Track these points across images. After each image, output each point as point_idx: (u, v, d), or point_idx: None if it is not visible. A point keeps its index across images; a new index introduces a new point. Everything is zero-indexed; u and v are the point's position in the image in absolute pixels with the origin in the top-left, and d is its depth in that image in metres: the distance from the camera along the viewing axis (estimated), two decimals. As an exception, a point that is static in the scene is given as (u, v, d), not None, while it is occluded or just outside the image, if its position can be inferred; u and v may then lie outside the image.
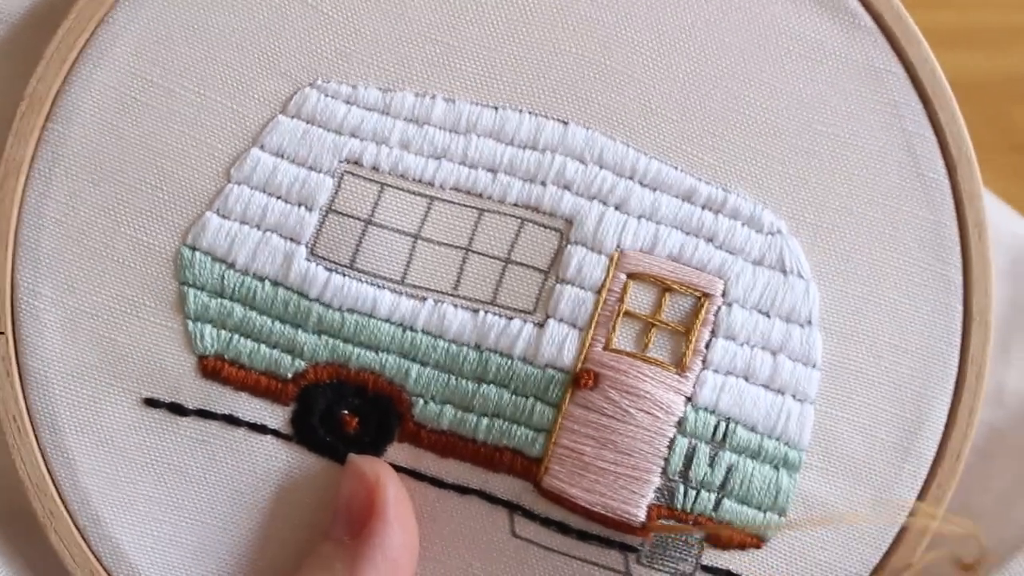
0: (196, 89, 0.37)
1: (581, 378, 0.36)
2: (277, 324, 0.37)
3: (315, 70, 0.37)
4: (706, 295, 0.37)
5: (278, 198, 0.37)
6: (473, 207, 0.37)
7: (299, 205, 0.37)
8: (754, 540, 0.37)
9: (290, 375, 0.37)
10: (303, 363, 0.37)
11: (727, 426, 0.37)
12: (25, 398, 0.37)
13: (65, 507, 0.37)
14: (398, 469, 0.37)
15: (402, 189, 0.37)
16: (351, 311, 0.37)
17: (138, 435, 0.37)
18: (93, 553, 0.37)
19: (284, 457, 0.37)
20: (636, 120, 0.37)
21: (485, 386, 0.37)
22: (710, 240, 0.37)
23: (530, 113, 0.37)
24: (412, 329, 0.37)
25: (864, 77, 0.38)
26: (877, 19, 0.38)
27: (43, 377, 0.36)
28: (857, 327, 0.37)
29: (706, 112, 0.37)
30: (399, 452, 0.37)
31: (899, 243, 0.37)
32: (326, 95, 0.37)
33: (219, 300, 0.37)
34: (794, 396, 0.37)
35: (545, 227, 0.37)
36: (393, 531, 0.35)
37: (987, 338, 0.37)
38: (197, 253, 0.37)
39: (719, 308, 0.37)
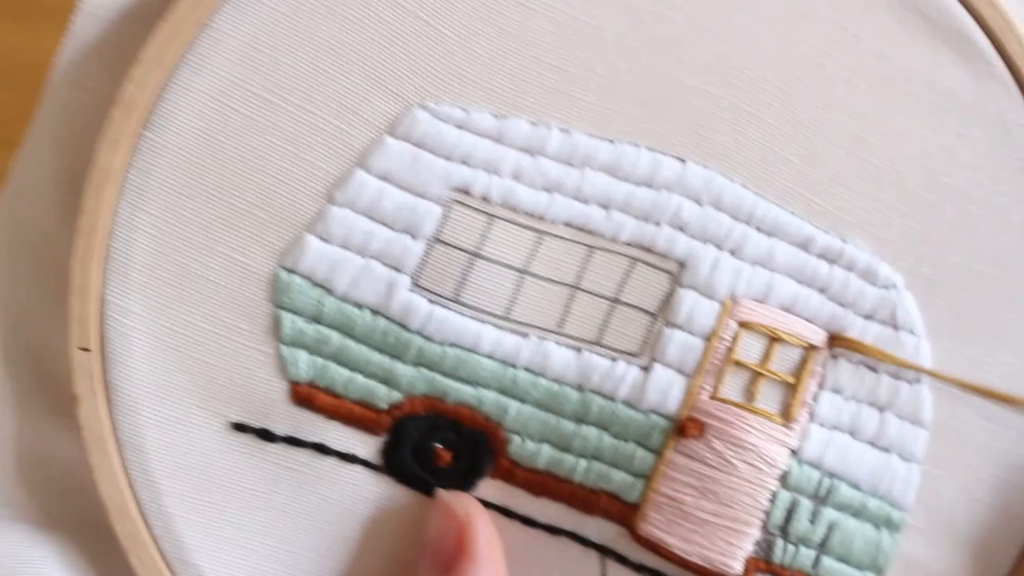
0: (300, 104, 0.36)
1: (686, 427, 0.36)
2: (375, 354, 0.36)
3: (426, 91, 0.36)
4: (814, 347, 0.37)
5: (382, 224, 0.36)
6: (583, 244, 0.36)
7: (404, 233, 0.36)
8: (850, 597, 0.37)
9: (385, 406, 0.37)
10: (399, 394, 0.37)
11: (831, 482, 0.37)
12: (110, 417, 0.36)
13: (148, 530, 0.36)
14: (489, 506, 0.37)
15: (512, 222, 0.36)
16: (452, 345, 0.36)
17: (225, 460, 0.37)
18: (173, 577, 0.37)
19: (373, 488, 0.37)
20: (756, 162, 0.37)
21: (585, 427, 0.37)
22: (823, 291, 0.37)
23: (648, 149, 0.36)
24: (513, 366, 0.36)
25: (994, 129, 0.37)
26: (1014, 71, 0.37)
27: (129, 397, 0.36)
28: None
29: (828, 157, 0.37)
30: (491, 488, 0.37)
31: (1018, 305, 0.37)
32: (437, 118, 0.36)
33: (316, 326, 0.36)
34: (900, 455, 0.37)
35: (657, 268, 0.36)
36: (483, 571, 0.35)
37: (1100, 406, 0.37)
38: (295, 277, 0.36)
39: (826, 361, 0.37)
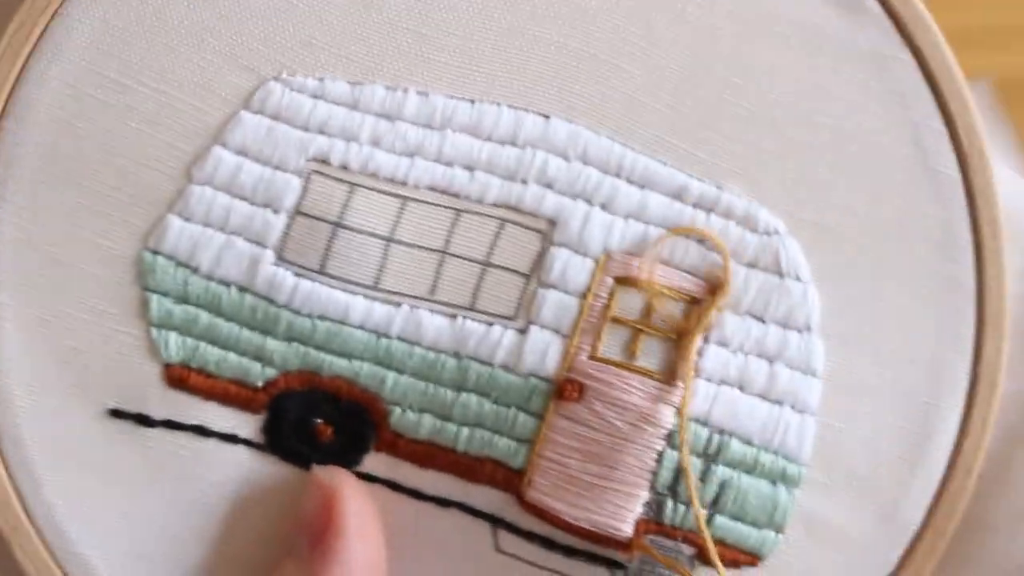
0: (155, 85, 0.36)
1: (565, 389, 0.35)
2: (245, 331, 0.36)
3: (279, 62, 0.36)
4: (696, 300, 0.36)
5: (242, 199, 0.36)
6: (449, 207, 0.36)
7: (265, 207, 0.36)
8: (749, 558, 0.36)
9: (260, 383, 0.36)
10: (273, 371, 0.36)
11: (720, 439, 0.36)
12: (-15, 410, 0.36)
13: (30, 522, 0.36)
14: (374, 480, 0.37)
15: (373, 189, 0.36)
16: (322, 318, 0.36)
17: (103, 448, 0.36)
18: (60, 568, 0.36)
19: (256, 467, 0.37)
20: (622, 113, 0.36)
21: (464, 395, 0.36)
22: (701, 242, 0.36)
23: (509, 107, 0.36)
24: (386, 336, 0.36)
25: (868, 64, 0.36)
26: (883, 1, 0.36)
27: (4, 388, 0.36)
28: (861, 333, 0.36)
29: (697, 104, 0.36)
30: (376, 462, 0.37)
31: (906, 243, 0.36)
32: (291, 89, 0.36)
33: (183, 306, 0.36)
34: (793, 407, 0.36)
35: (526, 228, 0.36)
36: (352, 545, 0.35)
37: (1001, 344, 0.36)
38: (159, 257, 0.36)
39: (711, 313, 0.36)
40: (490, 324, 0.36)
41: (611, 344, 0.36)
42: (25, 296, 0.36)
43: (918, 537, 0.37)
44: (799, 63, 0.36)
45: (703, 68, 0.36)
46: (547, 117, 0.36)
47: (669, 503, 0.36)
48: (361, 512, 0.35)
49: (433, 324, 0.36)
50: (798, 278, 0.36)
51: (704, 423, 0.36)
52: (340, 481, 0.36)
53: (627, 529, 0.36)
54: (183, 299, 0.36)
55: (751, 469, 0.36)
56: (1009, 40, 0.39)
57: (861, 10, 0.36)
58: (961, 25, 0.36)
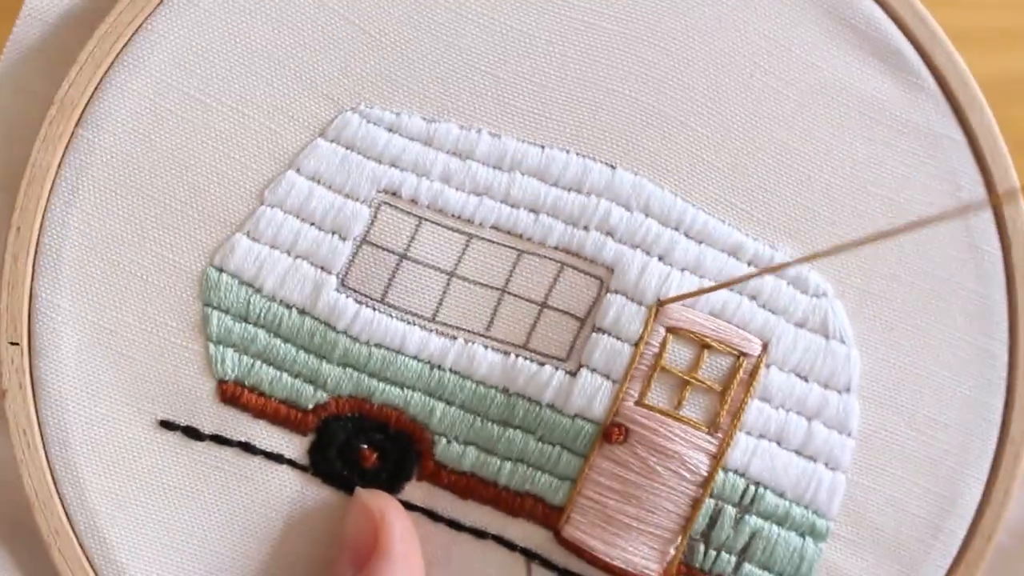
0: (233, 105, 0.37)
1: (611, 433, 0.37)
2: (301, 353, 0.37)
3: (358, 94, 0.37)
4: (744, 355, 0.37)
5: (311, 224, 0.37)
6: (512, 248, 0.37)
7: (332, 233, 0.37)
8: (774, 604, 0.37)
9: (311, 405, 0.37)
10: (325, 394, 0.37)
11: (755, 490, 0.37)
12: (37, 412, 0.36)
13: (71, 526, 0.37)
14: (414, 508, 0.38)
15: (440, 224, 0.37)
16: (378, 346, 0.37)
17: (151, 457, 0.37)
18: (96, 574, 0.37)
19: (299, 488, 0.38)
20: (685, 169, 0.37)
21: (511, 430, 0.37)
22: (753, 298, 0.37)
23: (577, 154, 0.37)
24: (440, 368, 0.37)
25: (923, 141, 0.38)
26: (940, 82, 0.38)
27: (57, 392, 0.37)
28: (896, 398, 0.38)
29: (758, 165, 0.37)
30: (417, 491, 0.38)
31: (946, 315, 0.38)
32: (368, 121, 0.37)
33: (243, 325, 0.37)
34: (826, 464, 0.37)
35: (585, 273, 0.37)
36: (397, 568, 0.36)
37: (1028, 418, 0.38)
38: (224, 275, 0.37)
39: (756, 369, 0.37)
40: (542, 364, 0.37)
41: (658, 392, 0.37)
42: (86, 302, 0.37)
43: (935, 597, 0.38)
44: (857, 133, 0.38)
45: (765, 132, 0.38)
46: (613, 167, 0.37)
47: (700, 548, 0.37)
48: (404, 536, 0.36)
49: (486, 359, 0.37)
50: (843, 340, 0.38)
51: (741, 474, 0.37)
52: (386, 504, 0.36)
53: (658, 570, 0.37)
54: (243, 317, 0.37)
55: (782, 521, 0.37)
56: (1008, 41, 0.40)
57: (920, 88, 0.38)
58: (960, 26, 0.38)
